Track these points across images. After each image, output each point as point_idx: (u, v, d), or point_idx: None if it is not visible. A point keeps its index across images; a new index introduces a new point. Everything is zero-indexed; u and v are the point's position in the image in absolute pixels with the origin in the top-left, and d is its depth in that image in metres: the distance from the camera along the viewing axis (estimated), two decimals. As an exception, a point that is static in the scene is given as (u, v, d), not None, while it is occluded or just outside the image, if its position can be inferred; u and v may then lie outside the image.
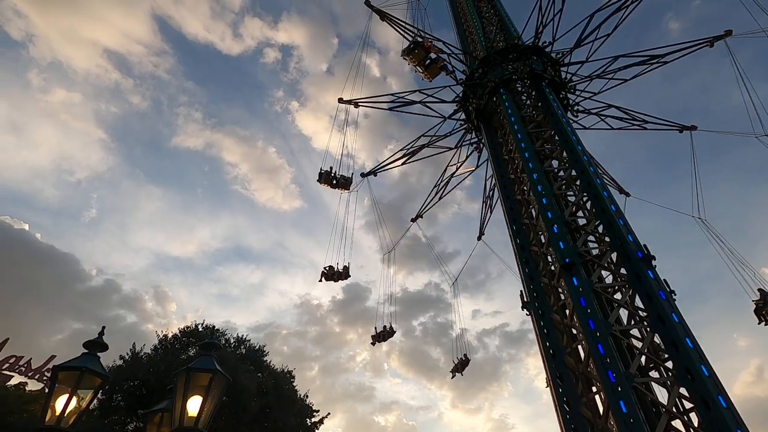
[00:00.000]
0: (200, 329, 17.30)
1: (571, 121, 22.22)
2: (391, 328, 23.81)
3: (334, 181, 24.42)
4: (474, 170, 26.56)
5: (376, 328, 23.57)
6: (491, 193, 25.84)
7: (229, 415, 14.27)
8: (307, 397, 24.23)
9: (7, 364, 26.58)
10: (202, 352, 5.12)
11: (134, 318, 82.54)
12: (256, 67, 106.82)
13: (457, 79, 24.95)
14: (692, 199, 24.85)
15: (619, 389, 11.23)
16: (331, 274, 22.82)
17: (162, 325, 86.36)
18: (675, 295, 15.78)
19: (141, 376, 14.35)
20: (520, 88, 22.79)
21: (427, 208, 27.78)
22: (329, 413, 29.09)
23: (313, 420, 28.20)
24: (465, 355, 24.95)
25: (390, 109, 26.29)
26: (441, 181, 26.67)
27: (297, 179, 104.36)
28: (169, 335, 16.52)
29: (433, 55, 21.04)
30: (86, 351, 5.01)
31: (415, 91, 25.97)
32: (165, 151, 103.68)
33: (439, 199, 27.29)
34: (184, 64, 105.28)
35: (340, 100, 25.70)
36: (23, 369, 27.33)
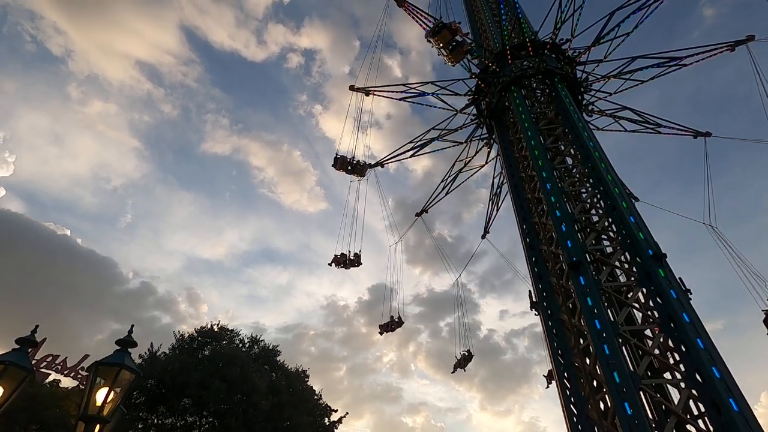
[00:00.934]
0: (215, 329, 17.93)
1: (585, 121, 21.65)
2: (399, 318, 23.53)
3: (349, 167, 24.08)
4: (483, 166, 26.13)
5: (383, 318, 23.51)
6: (498, 190, 25.56)
7: (240, 414, 14.78)
8: (321, 396, 24.75)
9: (44, 363, 28.19)
10: (118, 347, 5.42)
11: (169, 319, 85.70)
12: (280, 72, 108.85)
13: (471, 72, 24.60)
14: (704, 206, 24.04)
15: (624, 390, 10.98)
16: (342, 261, 22.59)
17: (193, 326, 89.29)
18: (691, 294, 15.29)
19: (157, 374, 15.05)
20: (533, 85, 22.44)
21: (432, 203, 27.49)
22: (347, 413, 29.49)
23: (332, 419, 28.83)
24: (468, 350, 24.57)
25: (402, 99, 25.95)
26: (449, 176, 26.39)
27: (322, 182, 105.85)
28: (186, 335, 17.32)
29: (459, 38, 20.44)
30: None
31: (427, 83, 25.70)
32: (194, 158, 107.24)
33: (446, 194, 26.97)
34: (211, 72, 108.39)
35: (352, 88, 25.46)
36: (59, 367, 28.84)
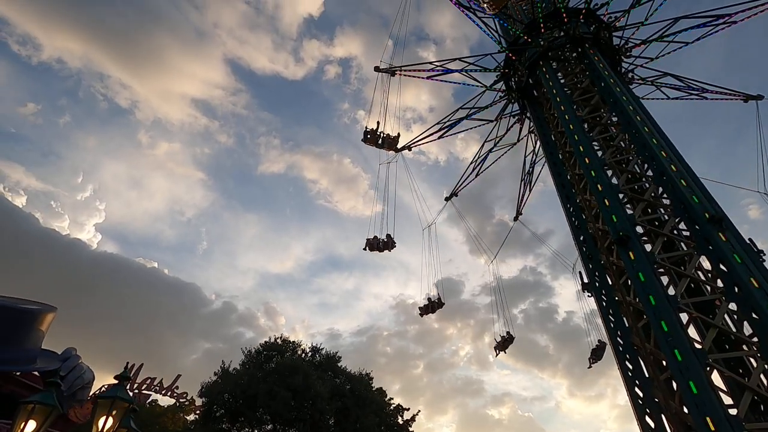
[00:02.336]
0: (279, 342, 19.15)
1: (624, 84, 20.09)
2: (439, 299, 22.42)
3: (380, 141, 22.82)
4: (515, 144, 24.88)
5: (426, 299, 22.49)
6: (531, 168, 24.41)
7: (308, 419, 15.68)
8: (386, 395, 25.31)
9: (144, 385, 31.74)
10: (116, 381, 6.09)
11: (252, 334, 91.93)
12: (320, 86, 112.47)
13: (501, 44, 23.65)
14: (757, 174, 21.44)
15: (688, 368, 10.26)
16: (375, 244, 21.47)
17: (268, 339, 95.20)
18: (764, 255, 13.88)
19: (230, 389, 16.38)
20: (565, 55, 21.27)
21: (462, 186, 26.35)
22: (419, 411, 29.84)
23: (405, 418, 29.31)
24: (508, 332, 23.70)
25: (430, 78, 24.48)
26: (478, 157, 25.22)
27: (375, 184, 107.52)
28: (253, 350, 18.71)
29: None
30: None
31: (455, 59, 24.29)
32: (254, 180, 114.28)
33: (476, 175, 25.68)
34: (257, 97, 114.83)
35: (376, 69, 23.93)
36: (157, 388, 32.39)
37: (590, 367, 23.72)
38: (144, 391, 30.89)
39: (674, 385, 11.42)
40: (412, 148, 25.11)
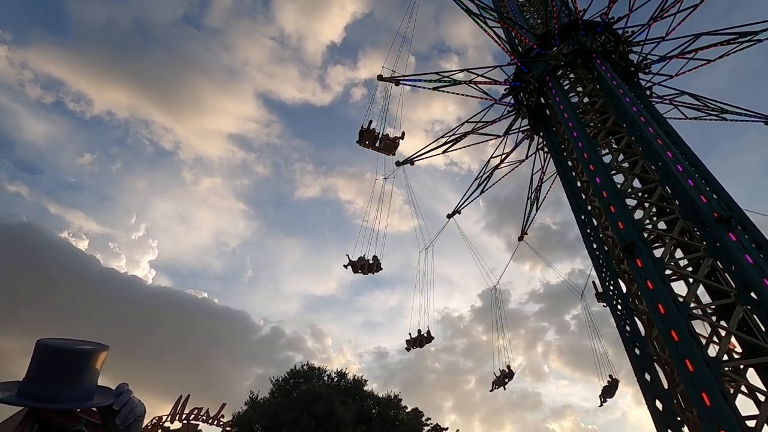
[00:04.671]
0: (305, 369, 19.73)
1: (631, 88, 19.44)
2: (428, 333, 20.56)
3: (377, 142, 20.93)
4: (523, 161, 24.21)
5: (410, 333, 20.46)
6: (539, 186, 23.85)
7: (332, 445, 16.13)
8: (422, 415, 25.19)
9: (192, 415, 33.21)
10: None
11: (300, 357, 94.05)
12: (348, 108, 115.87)
13: (511, 54, 23.34)
14: None
15: (700, 379, 9.89)
16: (360, 266, 19.86)
17: (323, 360, 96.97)
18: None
19: (257, 418, 17.10)
20: (575, 70, 20.81)
21: (465, 204, 25.45)
22: (458, 430, 29.47)
23: (444, 438, 28.98)
24: (508, 366, 21.92)
25: (435, 89, 23.27)
26: (483, 173, 24.45)
27: (408, 200, 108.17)
28: (280, 379, 19.42)
29: None
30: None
31: (462, 70, 23.58)
32: (292, 206, 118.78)
33: (481, 192, 24.94)
34: (289, 126, 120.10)
35: (380, 78, 22.69)
36: (204, 417, 33.80)
37: (601, 405, 22.05)
38: (192, 421, 32.32)
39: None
40: (414, 162, 24.30)
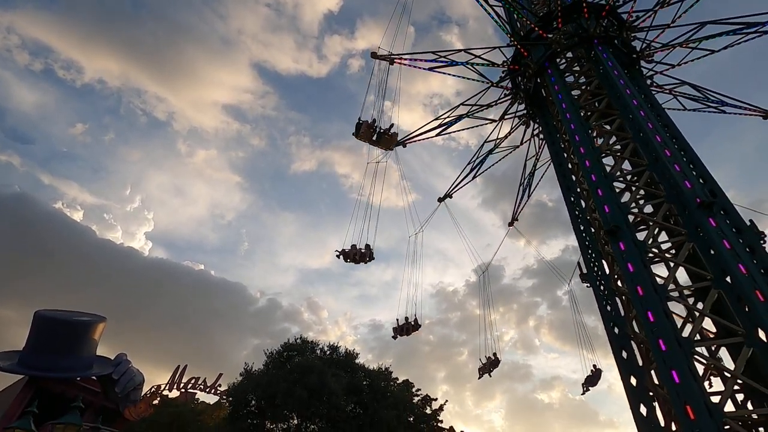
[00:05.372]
0: (298, 342, 20.36)
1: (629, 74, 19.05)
2: (415, 321, 20.29)
3: (374, 136, 20.20)
4: (518, 147, 23.85)
5: (398, 320, 20.38)
6: (532, 172, 23.77)
7: (324, 415, 16.84)
8: (412, 386, 26.27)
9: (190, 384, 34.25)
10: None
11: (297, 329, 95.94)
12: (345, 80, 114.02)
13: (511, 37, 22.79)
14: None
15: (671, 358, 10.39)
16: (352, 255, 19.54)
17: (319, 332, 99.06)
18: (765, 237, 13.59)
19: (252, 389, 17.79)
20: (576, 54, 20.39)
21: (457, 189, 25.09)
22: (447, 401, 30.53)
23: (434, 408, 30.12)
24: (494, 354, 21.97)
25: (431, 69, 22.54)
26: (476, 158, 24.06)
27: (407, 175, 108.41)
28: (274, 352, 20.05)
29: None
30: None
31: (459, 51, 22.45)
32: (288, 179, 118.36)
33: (473, 177, 24.47)
34: (285, 98, 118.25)
35: (373, 55, 22.04)
36: (201, 386, 34.87)
37: (583, 393, 22.63)
38: (189, 390, 33.36)
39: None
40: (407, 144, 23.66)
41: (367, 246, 20.04)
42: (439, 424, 29.36)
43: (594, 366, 22.65)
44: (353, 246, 19.76)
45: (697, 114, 21.61)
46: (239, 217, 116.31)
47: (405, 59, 22.25)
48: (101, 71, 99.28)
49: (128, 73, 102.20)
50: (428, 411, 29.25)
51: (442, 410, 29.87)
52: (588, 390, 22.62)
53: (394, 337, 20.11)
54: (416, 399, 28.64)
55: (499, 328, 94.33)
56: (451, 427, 30.35)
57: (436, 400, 30.48)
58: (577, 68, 20.31)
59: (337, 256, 19.49)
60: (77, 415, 7.23)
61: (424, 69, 22.38)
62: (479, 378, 21.77)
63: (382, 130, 20.71)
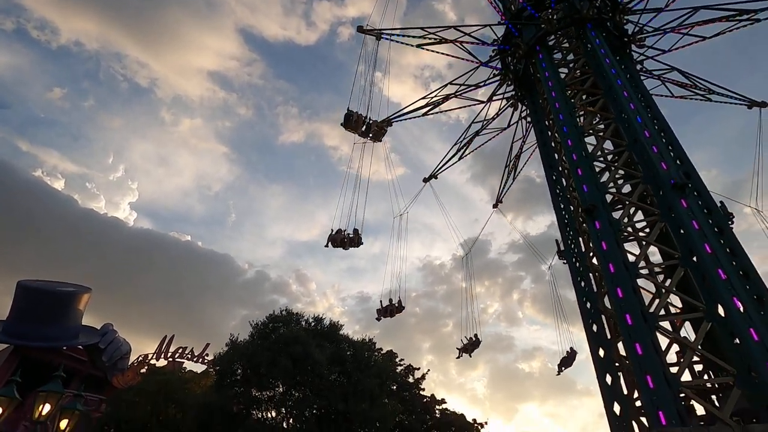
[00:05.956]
0: (283, 314, 20.79)
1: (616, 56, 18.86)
2: (399, 302, 20.29)
3: (364, 127, 19.72)
4: (505, 129, 23.77)
5: (381, 302, 20.44)
6: (518, 154, 23.82)
7: (308, 383, 17.47)
8: (396, 356, 27.28)
9: (177, 354, 34.80)
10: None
11: (285, 300, 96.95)
12: (334, 49, 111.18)
13: (502, 14, 22.46)
14: (751, 187, 20.42)
15: (636, 331, 10.95)
16: (339, 240, 19.06)
17: (307, 303, 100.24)
18: (733, 219, 14.10)
19: (237, 358, 18.28)
20: (567, 35, 20.11)
21: (443, 169, 25.08)
22: (429, 370, 31.66)
23: (416, 377, 31.25)
24: (475, 335, 22.18)
25: (419, 46, 21.89)
26: (463, 139, 23.88)
27: (396, 148, 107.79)
28: (260, 323, 20.48)
29: None
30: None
31: (449, 27, 21.73)
32: (276, 151, 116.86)
33: (460, 158, 24.29)
34: (272, 66, 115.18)
35: (360, 29, 21.43)
36: (189, 356, 35.47)
37: (558, 374, 23.14)
38: (177, 359, 33.91)
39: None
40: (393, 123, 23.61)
41: (356, 231, 19.63)
42: (421, 392, 30.62)
43: (570, 348, 23.32)
44: (339, 230, 19.42)
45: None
46: (226, 188, 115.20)
47: (393, 35, 21.56)
48: (78, 32, 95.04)
49: (107, 35, 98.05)
50: (411, 380, 30.46)
51: (424, 379, 31.11)
52: (563, 370, 23.16)
53: (378, 319, 20.15)
54: (399, 369, 29.73)
55: (484, 300, 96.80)
56: (433, 395, 31.63)
57: (418, 369, 31.71)
58: (566, 45, 20.25)
59: (326, 246, 19.27)
60: (59, 383, 7.46)
61: (412, 46, 22.00)
62: (458, 357, 22.12)
63: (371, 121, 20.12)
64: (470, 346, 22.04)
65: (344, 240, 19.27)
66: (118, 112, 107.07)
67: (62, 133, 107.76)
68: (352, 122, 19.45)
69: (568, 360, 23.20)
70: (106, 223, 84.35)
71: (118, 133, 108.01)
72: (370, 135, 20.21)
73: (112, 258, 74.65)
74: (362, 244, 19.63)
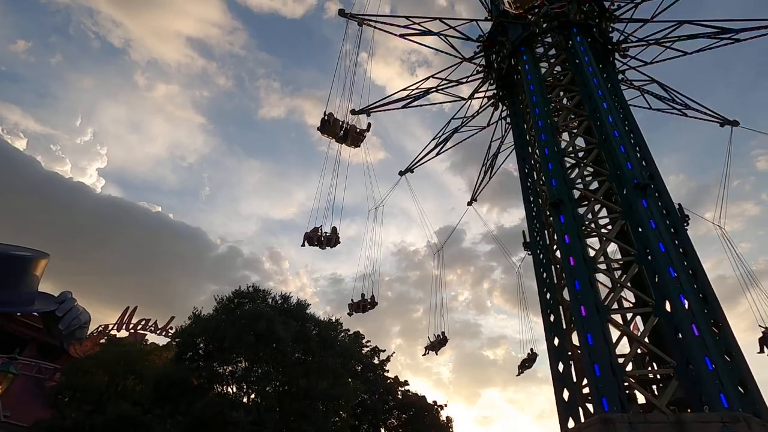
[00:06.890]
0: (250, 290, 20.64)
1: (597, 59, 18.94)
2: (372, 298, 20.21)
3: (342, 132, 18.69)
4: (484, 128, 23.72)
5: (353, 298, 20.49)
6: (495, 154, 24.01)
7: (270, 359, 17.54)
8: (363, 337, 27.78)
9: (140, 326, 34.20)
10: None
11: (257, 277, 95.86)
12: (321, 24, 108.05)
13: (489, 11, 22.28)
14: (716, 203, 20.95)
15: (589, 323, 11.42)
16: (316, 238, 18.65)
17: (280, 282, 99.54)
18: (688, 221, 14.70)
19: (199, 332, 18.10)
20: (552, 39, 20.10)
21: (420, 163, 25.10)
22: (394, 353, 32.23)
23: (381, 359, 31.78)
24: (443, 332, 22.31)
25: (402, 36, 21.26)
26: (442, 134, 24.02)
27: (377, 131, 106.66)
28: (225, 298, 20.28)
29: None
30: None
31: (434, 19, 21.22)
32: (255, 125, 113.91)
33: (437, 154, 24.50)
34: (255, 37, 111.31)
35: (341, 13, 20.88)
36: (152, 328, 34.91)
37: (519, 375, 23.20)
38: (140, 331, 33.33)
39: (582, 336, 12.68)
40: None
41: (334, 229, 18.96)
42: (386, 374, 31.19)
43: (531, 349, 23.38)
44: (315, 228, 18.74)
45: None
46: (201, 160, 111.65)
47: (376, 22, 20.96)
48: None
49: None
50: (376, 361, 30.95)
51: (389, 361, 31.64)
52: (522, 372, 23.07)
53: (350, 314, 19.87)
54: (366, 350, 30.11)
55: (455, 288, 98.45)
56: (396, 377, 32.28)
57: (384, 351, 32.24)
58: (549, 40, 20.39)
59: (303, 245, 18.77)
60: (10, 364, 7.35)
61: (395, 35, 21.40)
62: (423, 355, 22.14)
63: (349, 127, 18.95)
64: (437, 344, 22.02)
65: (321, 239, 18.69)
66: (88, 71, 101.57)
67: (26, 88, 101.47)
68: (328, 128, 18.47)
69: (528, 362, 23.16)
70: (71, 188, 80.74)
71: (88, 94, 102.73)
72: (348, 141, 19.12)
73: (76, 225, 71.79)
74: (339, 243, 19.05)
